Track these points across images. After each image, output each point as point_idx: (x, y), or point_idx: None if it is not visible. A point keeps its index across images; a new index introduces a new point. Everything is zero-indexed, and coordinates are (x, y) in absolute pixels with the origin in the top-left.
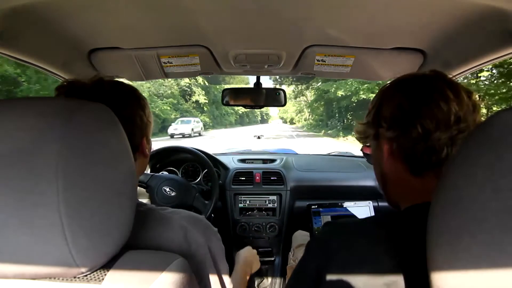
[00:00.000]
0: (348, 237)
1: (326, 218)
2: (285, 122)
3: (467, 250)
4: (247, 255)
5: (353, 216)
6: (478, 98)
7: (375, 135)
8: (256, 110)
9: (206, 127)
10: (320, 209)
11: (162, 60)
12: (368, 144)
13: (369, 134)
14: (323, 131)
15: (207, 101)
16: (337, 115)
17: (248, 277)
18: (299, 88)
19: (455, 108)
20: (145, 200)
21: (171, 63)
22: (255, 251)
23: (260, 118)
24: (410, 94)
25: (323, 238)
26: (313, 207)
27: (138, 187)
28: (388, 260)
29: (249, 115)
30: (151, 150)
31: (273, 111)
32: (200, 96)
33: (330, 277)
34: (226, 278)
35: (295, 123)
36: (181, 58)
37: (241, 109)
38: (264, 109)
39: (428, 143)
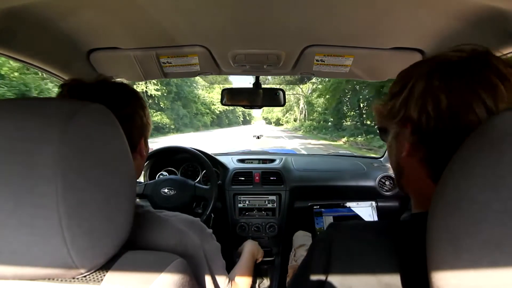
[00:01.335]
0: (351, 241)
1: (328, 218)
2: (269, 123)
3: (468, 251)
4: (250, 245)
5: (356, 216)
6: None
7: (396, 130)
8: (237, 110)
9: (165, 130)
10: (322, 209)
11: (161, 60)
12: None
13: (389, 126)
14: (344, 138)
15: (160, 94)
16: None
17: (253, 264)
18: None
19: (505, 104)
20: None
21: (170, 63)
22: (256, 242)
23: (242, 119)
24: (451, 85)
25: (326, 240)
26: (315, 207)
27: None
28: (390, 267)
29: (229, 116)
30: (151, 150)
31: (256, 111)
32: (149, 86)
33: (331, 279)
34: (222, 277)
35: (282, 124)
36: (180, 58)
37: (218, 108)
38: (246, 109)
39: None
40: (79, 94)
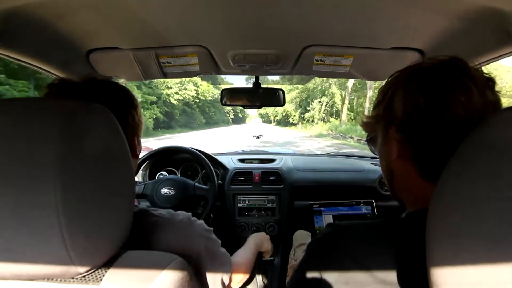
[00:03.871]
0: (349, 241)
1: (328, 217)
2: (267, 121)
3: (467, 249)
4: (256, 237)
5: (356, 215)
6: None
7: (384, 135)
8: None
9: None
10: (322, 208)
11: (161, 60)
12: (373, 135)
13: (377, 131)
14: None
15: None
16: None
17: (257, 252)
18: None
19: (478, 105)
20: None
21: (170, 63)
22: (267, 236)
23: (232, 117)
24: (427, 87)
25: (324, 240)
26: (314, 206)
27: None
28: (386, 264)
29: (207, 112)
30: (151, 150)
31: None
32: None
33: (329, 279)
34: (224, 274)
35: (295, 125)
36: (179, 58)
37: (176, 97)
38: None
39: (446, 146)
40: (68, 94)
